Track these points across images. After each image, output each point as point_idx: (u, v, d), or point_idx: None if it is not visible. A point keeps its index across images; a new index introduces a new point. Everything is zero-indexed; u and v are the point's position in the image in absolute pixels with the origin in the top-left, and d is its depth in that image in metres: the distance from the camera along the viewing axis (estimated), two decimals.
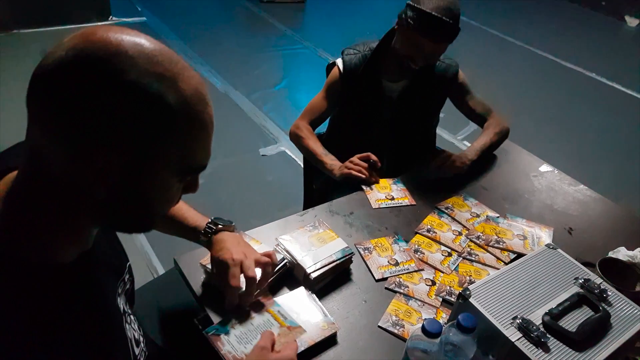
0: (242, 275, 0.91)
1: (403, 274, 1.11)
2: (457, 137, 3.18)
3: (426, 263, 1.16)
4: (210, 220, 1.00)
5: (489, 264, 1.17)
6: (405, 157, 1.65)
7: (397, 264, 1.13)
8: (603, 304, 0.89)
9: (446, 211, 1.33)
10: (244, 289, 0.92)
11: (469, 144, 1.57)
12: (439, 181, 1.43)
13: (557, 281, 0.94)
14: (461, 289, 0.89)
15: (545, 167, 1.60)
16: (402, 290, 1.07)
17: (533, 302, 0.88)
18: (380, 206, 1.33)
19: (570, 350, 0.80)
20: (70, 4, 3.77)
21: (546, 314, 0.85)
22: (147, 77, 0.48)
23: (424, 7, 1.30)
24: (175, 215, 1.00)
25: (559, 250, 1.02)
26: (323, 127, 1.67)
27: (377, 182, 1.41)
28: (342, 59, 1.54)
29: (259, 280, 0.95)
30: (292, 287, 1.03)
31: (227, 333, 0.88)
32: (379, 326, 0.98)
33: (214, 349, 0.86)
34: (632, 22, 5.99)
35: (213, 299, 0.98)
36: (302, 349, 0.87)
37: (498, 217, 1.33)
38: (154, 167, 0.53)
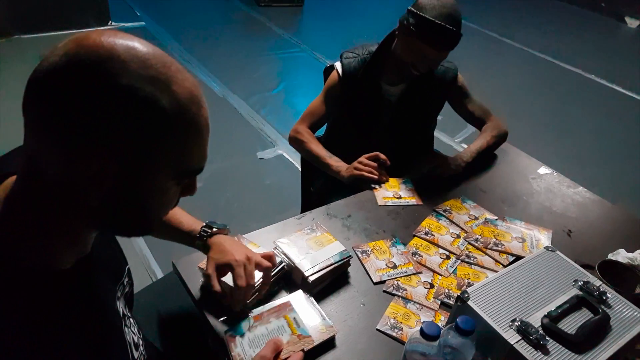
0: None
1: (401, 276, 1.11)
2: (454, 140, 3.18)
3: (424, 266, 1.15)
4: (205, 224, 0.99)
5: (488, 267, 1.17)
6: (404, 160, 1.65)
7: (395, 266, 1.13)
8: (602, 306, 0.88)
9: (444, 214, 1.32)
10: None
11: (466, 147, 1.57)
12: (436, 184, 1.43)
13: (556, 283, 0.93)
14: (459, 291, 0.89)
15: (544, 169, 1.60)
16: (400, 293, 1.07)
17: (532, 305, 0.88)
18: (386, 204, 1.33)
19: (570, 352, 0.80)
20: (70, 9, 3.78)
21: (545, 316, 0.84)
22: (140, 81, 0.48)
23: (427, 14, 1.28)
24: (171, 220, 1.00)
25: (558, 252, 1.02)
26: (320, 131, 1.67)
27: (387, 182, 1.41)
28: (341, 62, 1.53)
29: (260, 286, 0.95)
30: (290, 291, 1.02)
31: (242, 335, 0.89)
32: (377, 329, 0.98)
33: (211, 353, 0.85)
34: (632, 23, 5.99)
35: (211, 303, 0.98)
36: None
37: (496, 219, 1.32)
38: (149, 171, 0.53)
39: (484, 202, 1.39)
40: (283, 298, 0.98)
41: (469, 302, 0.86)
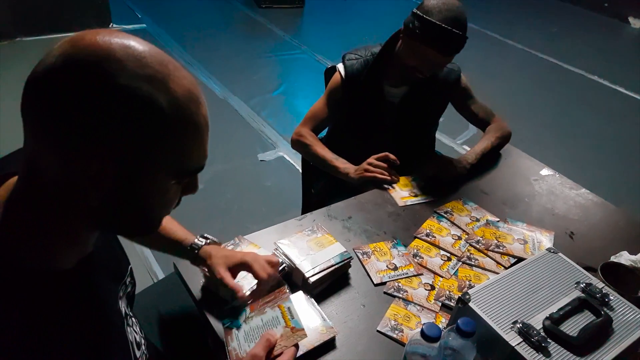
0: (240, 277, 0.91)
1: (402, 278, 1.10)
2: (456, 141, 3.17)
3: (425, 267, 1.15)
4: (200, 235, 1.00)
5: (489, 269, 1.16)
6: (405, 161, 1.65)
7: (395, 268, 1.12)
8: (605, 309, 0.87)
9: (445, 215, 1.32)
10: (245, 292, 0.92)
11: (468, 148, 1.57)
12: (437, 185, 1.43)
13: (558, 285, 0.93)
14: (460, 293, 0.88)
15: (546, 171, 1.59)
16: (401, 295, 1.06)
17: (533, 307, 0.87)
18: (407, 203, 1.34)
19: (571, 355, 0.79)
20: (71, 11, 3.79)
21: (547, 318, 0.84)
22: (136, 80, 0.48)
23: (433, 18, 1.26)
24: (164, 230, 0.99)
25: (560, 254, 1.01)
26: (321, 133, 1.67)
27: (398, 181, 1.41)
28: (344, 64, 1.52)
29: (261, 290, 0.95)
30: (290, 292, 1.02)
31: (238, 327, 0.88)
32: (377, 331, 0.98)
33: (211, 353, 0.85)
34: (635, 23, 5.96)
35: (212, 304, 0.97)
36: (301, 353, 0.87)
37: (498, 221, 1.32)
38: (149, 171, 0.52)
39: (485, 204, 1.39)
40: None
41: (470, 304, 0.85)
